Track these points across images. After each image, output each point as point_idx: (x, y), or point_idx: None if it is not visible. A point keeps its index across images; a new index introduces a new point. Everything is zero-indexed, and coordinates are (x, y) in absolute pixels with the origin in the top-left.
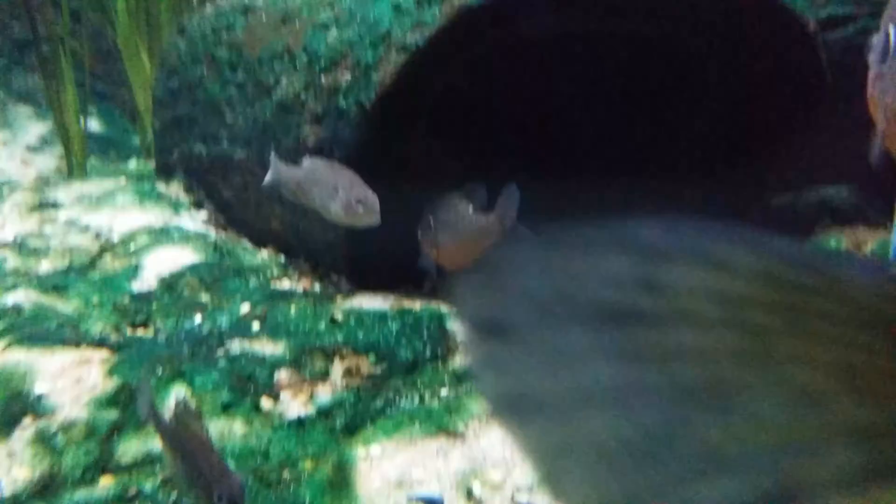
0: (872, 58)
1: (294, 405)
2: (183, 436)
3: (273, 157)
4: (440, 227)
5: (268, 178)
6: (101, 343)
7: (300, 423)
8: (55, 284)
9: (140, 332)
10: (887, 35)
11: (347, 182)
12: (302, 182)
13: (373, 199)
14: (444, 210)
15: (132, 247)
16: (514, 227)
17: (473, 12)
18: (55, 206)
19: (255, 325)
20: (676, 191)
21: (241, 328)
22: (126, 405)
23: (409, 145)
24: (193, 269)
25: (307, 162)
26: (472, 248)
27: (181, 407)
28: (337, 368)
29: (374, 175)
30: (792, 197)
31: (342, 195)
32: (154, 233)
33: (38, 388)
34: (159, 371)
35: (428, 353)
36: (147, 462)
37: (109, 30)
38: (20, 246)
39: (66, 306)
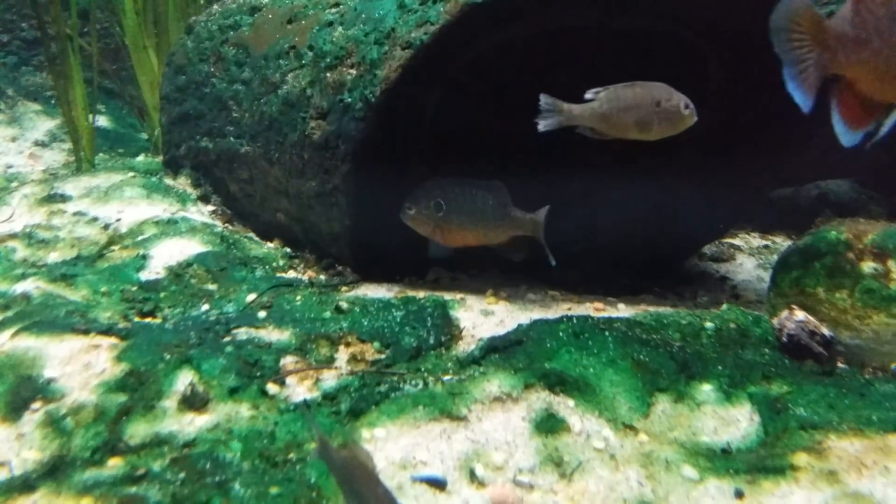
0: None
1: (300, 389)
2: (352, 468)
3: (548, 100)
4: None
5: (550, 122)
6: (109, 330)
7: (306, 406)
8: (64, 274)
9: (148, 319)
10: None
11: (665, 93)
12: (607, 114)
13: (688, 100)
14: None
15: (140, 238)
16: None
17: (477, 9)
18: (63, 198)
19: (262, 314)
20: (678, 183)
21: (247, 316)
22: (134, 389)
23: (413, 140)
24: (200, 259)
25: (595, 94)
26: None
27: (350, 444)
28: (342, 355)
29: (379, 168)
30: (792, 191)
31: (667, 105)
32: (161, 224)
33: (48, 372)
34: (167, 357)
35: (431, 339)
36: (155, 443)
37: (117, 28)
38: (29, 237)
39: (74, 295)
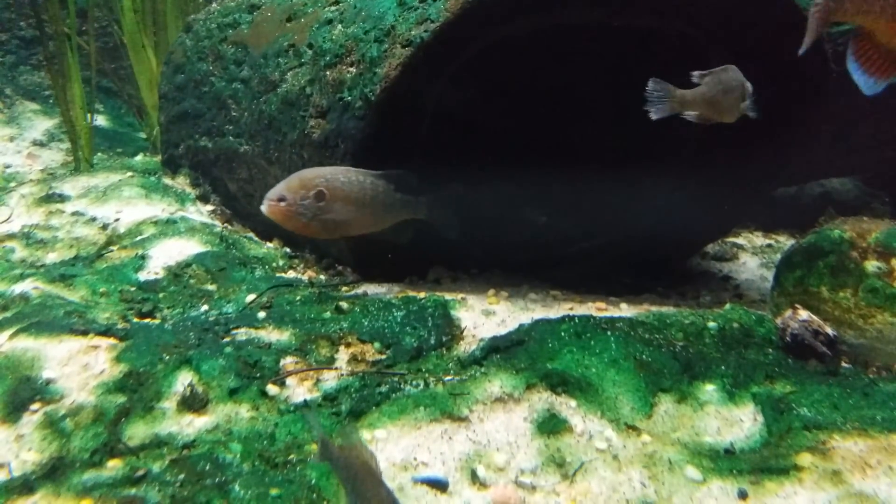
0: None
1: (300, 390)
2: (355, 468)
3: (659, 85)
4: None
5: (662, 108)
6: (108, 331)
7: (306, 407)
8: (62, 274)
9: (147, 320)
10: None
11: (742, 76)
12: (711, 97)
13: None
14: None
15: (138, 238)
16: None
17: (478, 7)
18: (62, 198)
19: (261, 314)
20: (680, 182)
21: (246, 316)
22: (133, 390)
23: (413, 137)
24: (199, 259)
25: (700, 78)
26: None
27: (350, 439)
28: (343, 355)
29: (379, 167)
30: (796, 189)
31: (748, 88)
32: (160, 224)
33: (46, 374)
34: (166, 357)
35: (432, 340)
36: (154, 445)
37: (116, 27)
38: (27, 237)
39: (73, 296)
